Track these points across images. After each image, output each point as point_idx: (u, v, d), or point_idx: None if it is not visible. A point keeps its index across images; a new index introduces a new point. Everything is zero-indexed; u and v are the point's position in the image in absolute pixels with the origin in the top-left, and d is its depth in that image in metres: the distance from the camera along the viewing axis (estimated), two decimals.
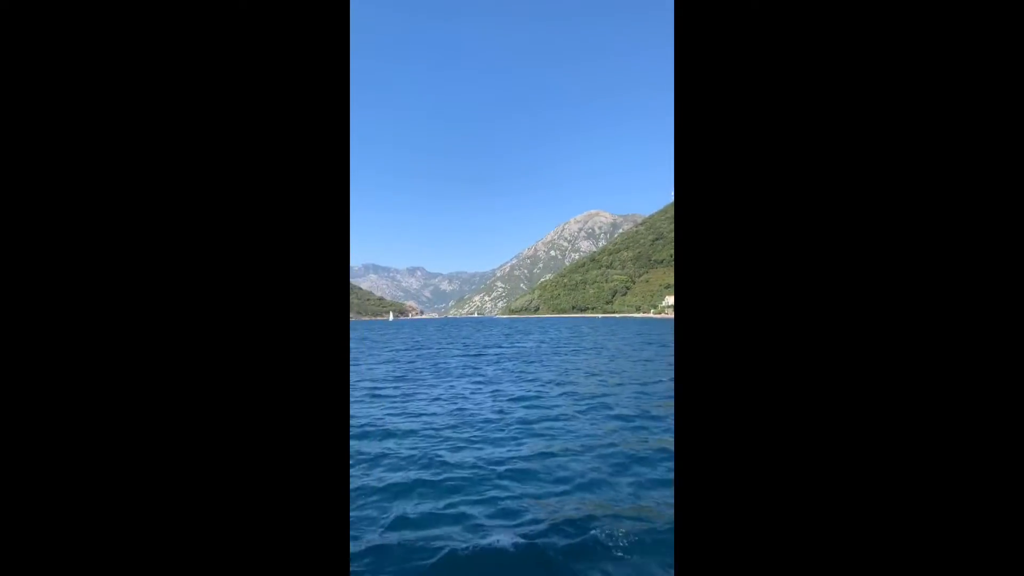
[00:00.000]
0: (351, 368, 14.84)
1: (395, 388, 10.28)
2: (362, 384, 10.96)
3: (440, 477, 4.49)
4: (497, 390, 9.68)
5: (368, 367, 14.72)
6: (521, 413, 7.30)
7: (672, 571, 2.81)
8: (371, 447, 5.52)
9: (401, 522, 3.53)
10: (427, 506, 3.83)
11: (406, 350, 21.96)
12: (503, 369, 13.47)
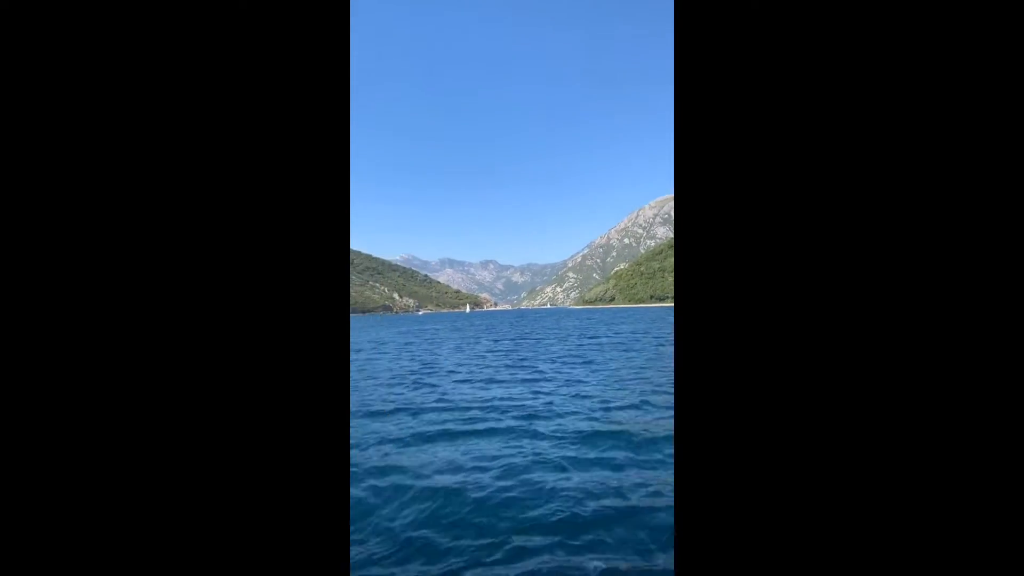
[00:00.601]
0: (458, 353, 15.71)
1: (511, 375, 10.61)
2: (483, 372, 11.45)
3: (641, 456, 4.57)
4: (620, 379, 9.61)
5: (478, 355, 15.38)
6: (660, 399, 7.18)
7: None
8: (539, 427, 5.77)
9: (664, 491, 3.65)
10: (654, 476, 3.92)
11: (502, 340, 22.59)
12: (612, 357, 13.34)
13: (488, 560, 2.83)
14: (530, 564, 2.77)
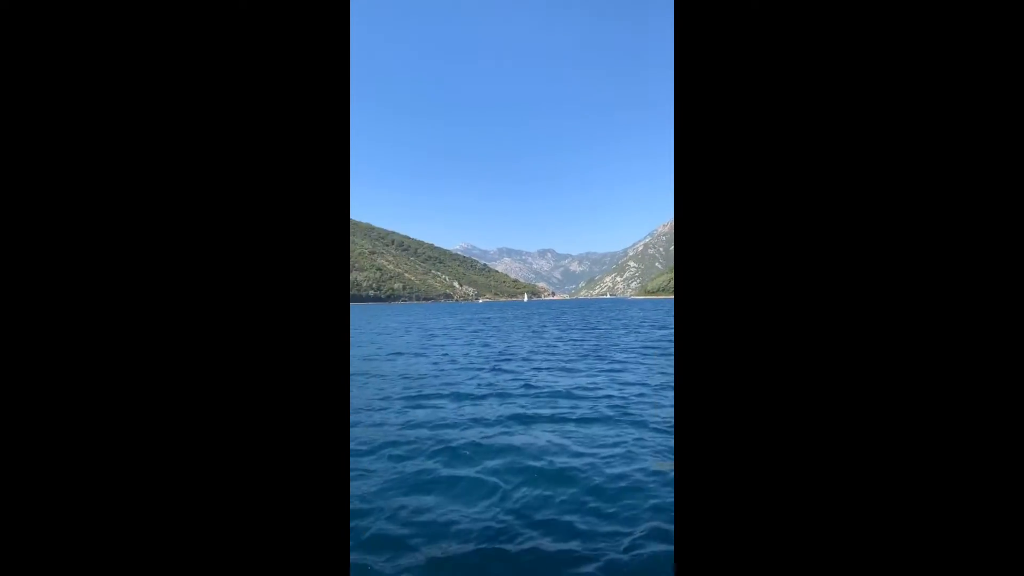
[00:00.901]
0: (528, 341, 15.84)
1: (588, 364, 10.48)
2: (559, 361, 11.43)
3: None
4: None
5: (548, 344, 15.42)
6: None
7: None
8: (636, 415, 5.66)
9: None
10: None
11: (570, 330, 22.48)
12: None
13: (619, 548, 2.80)
14: (659, 549, 2.70)
